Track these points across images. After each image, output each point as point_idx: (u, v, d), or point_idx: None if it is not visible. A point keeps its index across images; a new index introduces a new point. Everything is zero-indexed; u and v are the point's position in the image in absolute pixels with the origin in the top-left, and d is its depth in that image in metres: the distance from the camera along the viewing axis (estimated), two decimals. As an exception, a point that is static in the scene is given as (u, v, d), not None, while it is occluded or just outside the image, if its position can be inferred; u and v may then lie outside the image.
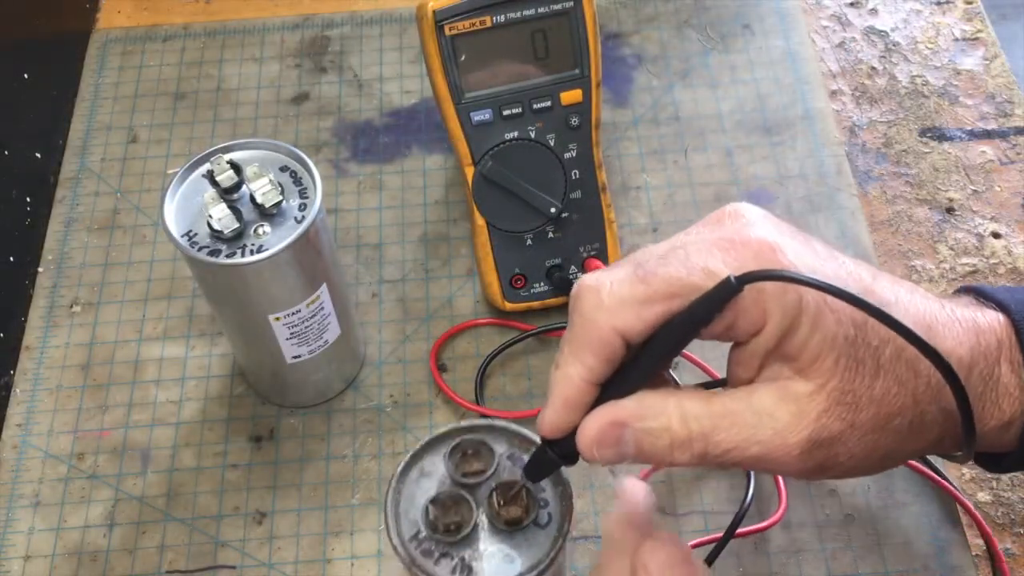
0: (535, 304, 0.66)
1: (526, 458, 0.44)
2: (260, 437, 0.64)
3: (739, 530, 0.57)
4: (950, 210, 0.71)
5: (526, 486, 0.43)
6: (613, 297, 0.40)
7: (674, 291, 0.39)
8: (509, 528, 0.43)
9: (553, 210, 0.64)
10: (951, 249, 0.70)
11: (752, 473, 0.59)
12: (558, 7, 0.62)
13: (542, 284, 0.66)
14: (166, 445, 0.64)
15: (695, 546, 0.58)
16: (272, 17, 0.83)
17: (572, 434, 0.41)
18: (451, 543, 0.43)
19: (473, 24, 0.61)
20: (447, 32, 0.61)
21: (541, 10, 0.62)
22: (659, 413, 0.40)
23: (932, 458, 0.61)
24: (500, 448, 0.45)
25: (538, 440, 0.44)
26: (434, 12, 0.61)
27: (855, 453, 0.40)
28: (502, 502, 0.43)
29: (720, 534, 0.57)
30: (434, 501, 0.43)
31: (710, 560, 0.56)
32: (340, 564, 0.59)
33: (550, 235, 0.66)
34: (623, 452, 0.40)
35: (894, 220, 0.71)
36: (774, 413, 0.39)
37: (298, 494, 0.62)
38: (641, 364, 0.41)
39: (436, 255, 0.71)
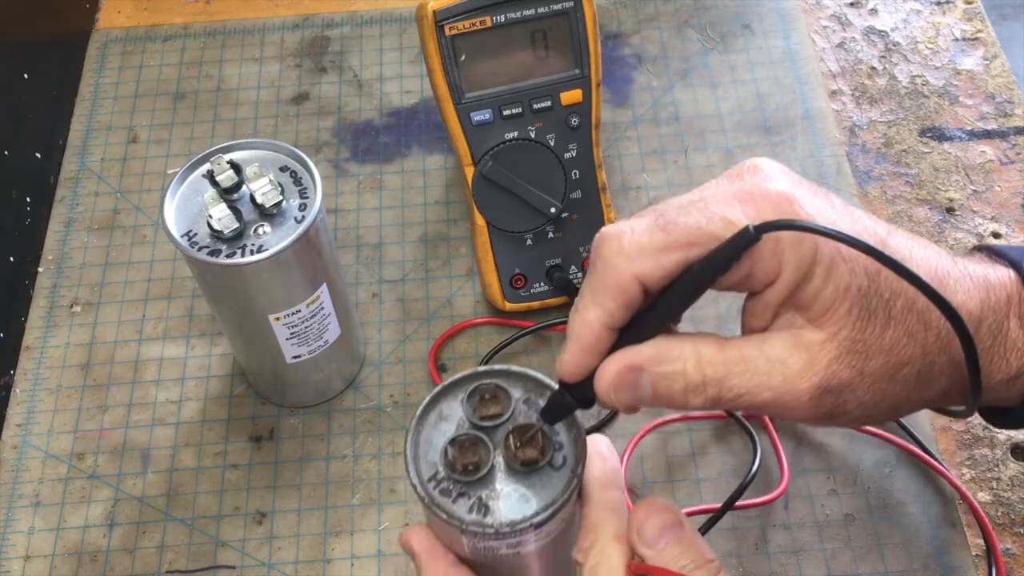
0: (535, 304, 0.66)
1: (542, 402, 0.45)
2: (260, 437, 0.64)
3: (739, 503, 0.58)
4: (950, 210, 0.71)
5: (542, 429, 0.44)
6: (633, 244, 0.41)
7: (693, 239, 0.40)
8: (525, 469, 0.44)
9: (553, 210, 0.64)
10: (951, 249, 0.69)
11: (759, 448, 0.60)
12: (558, 7, 0.62)
13: (542, 284, 0.66)
14: (166, 445, 0.64)
15: (691, 514, 0.58)
16: (272, 17, 0.83)
17: (589, 378, 0.42)
18: (468, 483, 0.44)
19: (473, 24, 0.61)
20: (447, 32, 0.61)
21: (541, 10, 0.62)
22: (675, 358, 0.41)
23: (937, 455, 0.61)
24: (516, 393, 0.46)
25: (554, 385, 0.45)
26: (434, 12, 0.61)
27: (864, 401, 0.41)
28: (518, 444, 0.44)
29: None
30: (452, 442, 0.44)
31: (705, 530, 0.57)
32: (340, 564, 0.59)
33: (550, 235, 0.66)
34: (639, 396, 0.41)
35: (894, 220, 0.71)
36: (786, 360, 0.40)
37: (298, 494, 0.62)
38: (659, 310, 0.42)
39: (436, 255, 0.71)
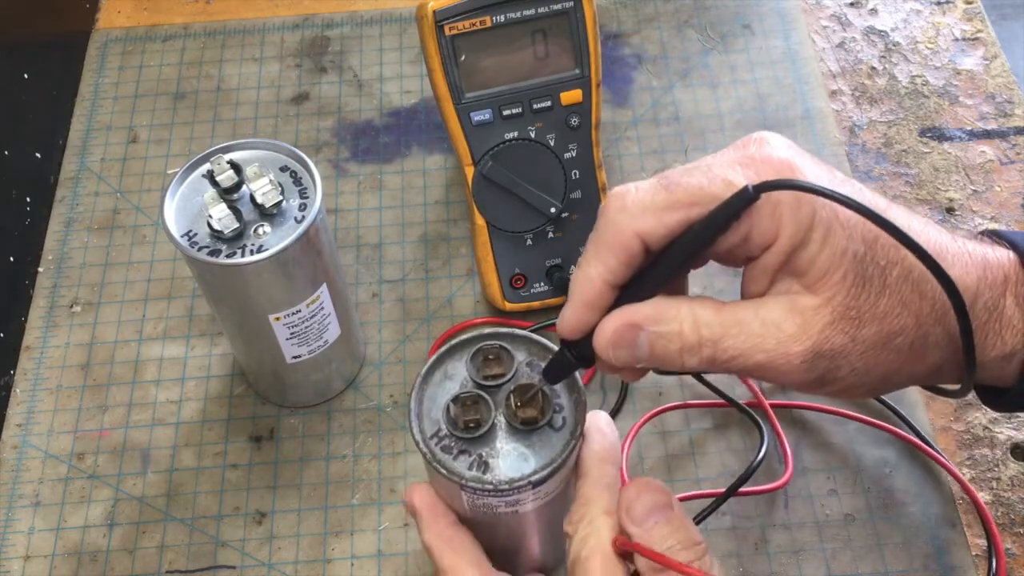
0: (535, 304, 0.66)
1: (543, 365, 0.46)
2: (260, 437, 0.64)
3: (744, 489, 0.58)
4: (950, 210, 0.71)
5: (543, 389, 0.45)
6: (637, 202, 0.42)
7: (695, 200, 0.41)
8: (525, 428, 0.45)
9: (553, 210, 0.64)
10: (951, 249, 0.69)
11: (765, 434, 0.60)
12: (558, 7, 0.62)
13: (542, 284, 0.66)
14: (166, 445, 0.64)
15: (694, 497, 0.59)
16: (272, 17, 0.83)
17: (589, 337, 0.43)
18: (469, 440, 0.45)
19: (473, 24, 0.61)
20: (447, 32, 0.61)
21: (541, 10, 0.62)
22: (672, 318, 0.42)
23: (940, 452, 0.61)
24: (520, 355, 0.47)
25: (555, 348, 0.46)
26: (434, 12, 0.61)
27: (856, 368, 0.42)
28: (519, 403, 0.45)
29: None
30: (455, 400, 0.45)
31: (706, 515, 0.57)
32: (340, 564, 0.59)
33: (550, 235, 0.66)
34: (637, 354, 0.42)
35: (894, 220, 0.71)
36: (780, 324, 0.41)
37: (298, 494, 0.62)
38: (659, 269, 0.42)
39: (436, 255, 0.71)
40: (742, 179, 0.40)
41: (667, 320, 0.42)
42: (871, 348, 0.41)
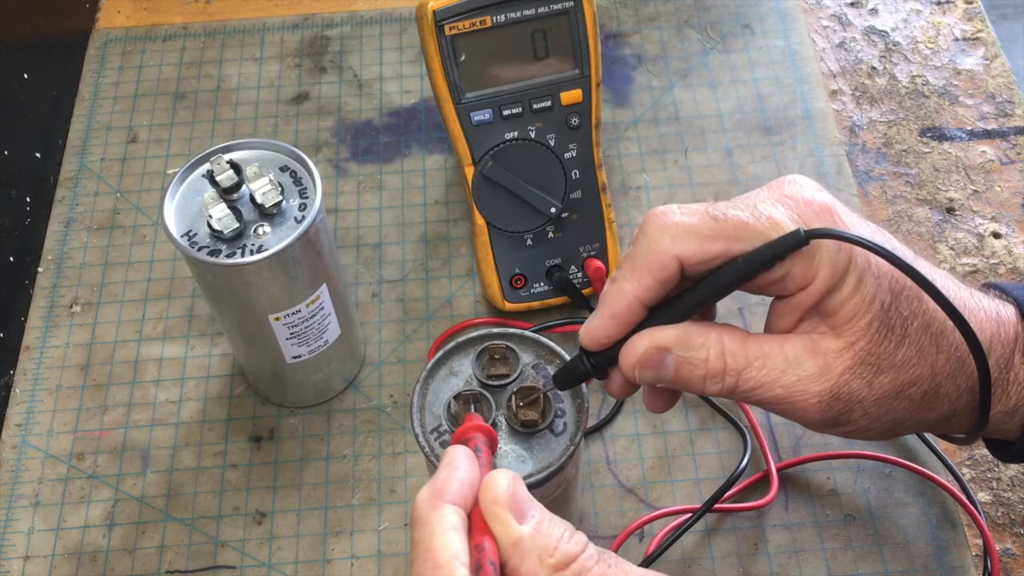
0: (535, 304, 0.66)
1: (550, 369, 0.46)
2: (260, 437, 0.64)
3: (728, 505, 0.58)
4: (950, 210, 0.71)
5: (545, 393, 0.45)
6: (681, 225, 0.42)
7: (740, 233, 0.41)
8: (525, 430, 0.45)
9: (553, 210, 0.64)
10: (951, 249, 0.69)
11: (748, 447, 0.60)
12: (558, 7, 0.62)
13: (542, 284, 0.66)
14: (166, 445, 0.64)
15: (671, 514, 0.58)
16: (272, 17, 0.83)
17: (608, 349, 0.44)
18: None
19: (473, 24, 0.61)
20: (447, 32, 0.61)
21: (541, 10, 0.62)
22: (700, 344, 0.42)
23: (934, 460, 0.61)
24: (526, 357, 0.47)
25: (564, 354, 0.46)
26: (434, 12, 0.61)
27: (869, 412, 0.43)
28: (520, 404, 0.45)
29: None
30: (456, 397, 0.45)
31: (685, 530, 0.57)
32: (340, 564, 0.59)
33: (550, 235, 0.66)
34: (661, 375, 0.43)
35: (894, 220, 0.71)
36: (802, 362, 0.42)
37: (298, 494, 0.62)
38: (695, 295, 0.43)
39: (436, 255, 0.71)
40: (787, 220, 0.41)
41: (695, 346, 0.42)
42: (886, 395, 0.42)
